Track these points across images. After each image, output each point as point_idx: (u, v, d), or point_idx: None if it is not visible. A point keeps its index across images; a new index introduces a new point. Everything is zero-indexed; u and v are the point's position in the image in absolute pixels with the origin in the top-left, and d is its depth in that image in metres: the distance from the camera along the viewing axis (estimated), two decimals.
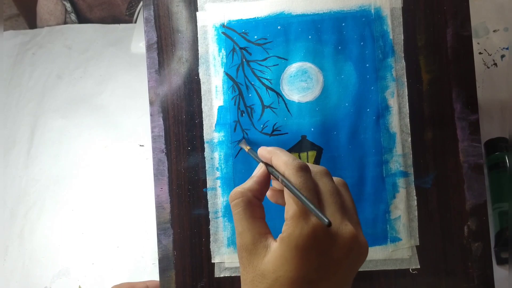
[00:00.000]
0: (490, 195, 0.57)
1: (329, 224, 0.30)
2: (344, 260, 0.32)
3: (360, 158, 0.46)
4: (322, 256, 0.32)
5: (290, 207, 0.33)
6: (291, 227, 0.32)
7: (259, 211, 0.35)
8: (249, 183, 0.37)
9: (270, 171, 0.36)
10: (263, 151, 0.38)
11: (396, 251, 0.45)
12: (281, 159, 0.35)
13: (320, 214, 0.31)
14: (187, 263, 0.47)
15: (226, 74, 0.47)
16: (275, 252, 0.32)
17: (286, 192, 0.33)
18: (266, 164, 0.37)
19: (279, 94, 0.47)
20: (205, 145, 0.47)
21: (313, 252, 0.32)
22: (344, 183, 0.37)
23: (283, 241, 0.32)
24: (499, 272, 0.53)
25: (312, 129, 0.46)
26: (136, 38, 0.72)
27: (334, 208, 0.33)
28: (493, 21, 0.64)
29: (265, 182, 0.37)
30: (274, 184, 0.38)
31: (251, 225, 0.34)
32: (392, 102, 0.46)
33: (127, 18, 0.75)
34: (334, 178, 0.36)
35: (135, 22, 0.74)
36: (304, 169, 0.34)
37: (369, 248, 0.45)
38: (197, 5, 0.48)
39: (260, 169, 0.37)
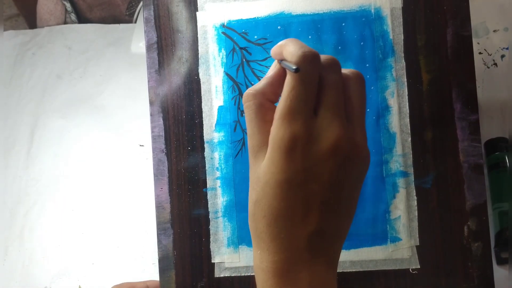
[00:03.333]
0: (490, 195, 0.57)
1: (296, 70, 0.30)
2: (330, 161, 0.32)
3: None
4: (306, 159, 0.31)
5: (279, 107, 0.32)
6: (276, 129, 0.32)
7: (270, 114, 0.34)
8: (262, 84, 0.35)
9: (283, 66, 0.34)
10: (275, 47, 0.36)
11: (396, 251, 0.45)
12: (289, 50, 0.33)
13: (287, 64, 0.30)
14: (187, 263, 0.47)
15: (226, 74, 0.47)
16: (266, 155, 0.33)
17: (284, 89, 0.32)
18: (280, 61, 0.35)
19: None
20: (205, 145, 0.47)
21: (297, 153, 0.31)
22: (357, 77, 0.35)
23: (270, 143, 0.32)
24: (499, 272, 0.53)
25: None
26: (136, 38, 0.72)
27: (329, 106, 0.32)
28: (493, 21, 0.64)
29: (278, 82, 0.34)
30: None
31: (261, 129, 0.34)
32: (392, 102, 0.46)
33: (127, 18, 0.75)
34: (349, 71, 0.35)
35: (135, 22, 0.74)
36: (310, 58, 0.32)
37: (369, 248, 0.45)
38: (197, 5, 0.48)
39: (273, 69, 0.36)
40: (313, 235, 0.32)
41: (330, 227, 0.33)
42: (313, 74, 0.32)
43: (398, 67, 0.46)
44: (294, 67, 0.30)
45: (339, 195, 0.33)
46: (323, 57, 0.34)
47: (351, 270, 0.45)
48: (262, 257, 0.33)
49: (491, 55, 0.63)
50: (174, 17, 0.48)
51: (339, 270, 0.45)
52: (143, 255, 0.61)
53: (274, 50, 0.36)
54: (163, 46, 0.48)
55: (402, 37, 0.46)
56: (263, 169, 0.33)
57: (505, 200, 0.55)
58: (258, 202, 0.33)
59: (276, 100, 0.35)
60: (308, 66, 0.32)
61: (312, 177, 0.32)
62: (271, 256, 0.32)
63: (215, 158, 0.47)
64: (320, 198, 0.32)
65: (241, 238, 0.46)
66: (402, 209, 0.45)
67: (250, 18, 0.47)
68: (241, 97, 0.47)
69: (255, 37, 0.47)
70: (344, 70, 0.35)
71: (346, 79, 0.34)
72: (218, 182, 0.47)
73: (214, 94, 0.47)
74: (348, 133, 0.32)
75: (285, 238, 0.32)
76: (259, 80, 0.47)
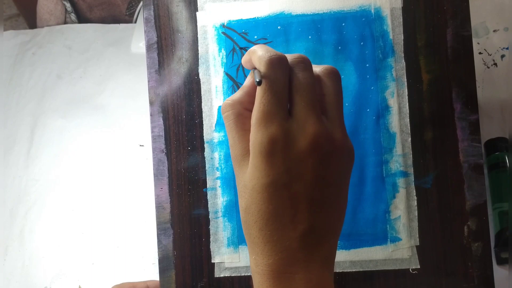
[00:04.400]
0: (490, 195, 0.57)
1: (259, 83, 0.31)
2: (310, 159, 0.32)
3: (360, 158, 0.46)
4: (287, 160, 0.32)
5: (253, 113, 0.32)
6: (253, 134, 0.32)
7: (249, 122, 0.34)
8: (239, 93, 0.36)
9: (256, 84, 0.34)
10: (245, 55, 0.36)
11: (396, 251, 0.45)
12: (255, 57, 0.34)
13: (255, 74, 0.31)
14: (187, 263, 0.47)
15: (226, 74, 0.47)
16: (249, 162, 0.33)
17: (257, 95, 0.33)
18: (253, 70, 0.35)
19: None
20: (205, 145, 0.47)
21: (277, 156, 0.32)
22: (330, 72, 0.35)
23: (251, 150, 0.32)
24: (499, 272, 0.53)
25: None
26: (136, 38, 0.72)
27: (302, 105, 0.32)
28: (493, 21, 0.64)
29: (254, 90, 0.35)
30: None
31: (241, 138, 0.34)
32: (392, 102, 0.46)
33: (127, 18, 0.75)
34: (321, 67, 0.35)
35: (135, 22, 0.74)
36: (276, 62, 0.32)
37: (369, 248, 0.45)
38: (197, 5, 0.48)
39: (249, 79, 0.36)
40: (305, 234, 0.32)
41: (320, 224, 0.33)
42: (281, 77, 0.32)
43: (398, 67, 0.46)
44: (257, 80, 0.31)
45: (325, 191, 0.33)
46: (291, 56, 0.34)
47: (351, 270, 0.45)
48: (257, 262, 0.33)
49: (491, 55, 0.63)
50: (174, 17, 0.48)
51: (339, 270, 0.45)
52: (143, 255, 0.61)
53: (244, 58, 0.37)
54: (163, 46, 0.48)
55: (402, 37, 0.46)
56: (248, 176, 0.33)
57: (505, 200, 0.55)
58: (248, 209, 0.33)
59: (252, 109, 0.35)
60: (275, 70, 0.32)
61: (296, 177, 0.32)
62: (266, 259, 0.33)
63: (215, 158, 0.47)
64: (306, 197, 0.32)
65: (241, 238, 0.46)
66: (402, 209, 0.45)
67: (250, 18, 0.47)
68: None
69: (255, 37, 0.47)
70: (317, 67, 0.35)
71: (319, 76, 0.35)
72: (218, 182, 0.47)
73: (214, 94, 0.47)
74: (325, 129, 0.33)
75: (277, 240, 0.32)
76: None
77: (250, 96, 0.35)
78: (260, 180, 0.32)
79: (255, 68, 0.34)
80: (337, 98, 0.35)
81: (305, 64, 0.34)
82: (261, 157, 0.32)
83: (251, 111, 0.35)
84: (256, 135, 0.32)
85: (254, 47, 0.35)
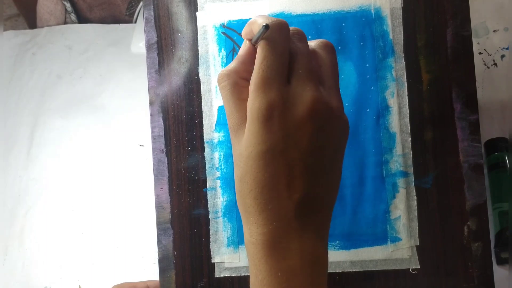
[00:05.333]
0: (490, 195, 0.57)
1: (266, 26, 0.30)
2: (308, 126, 0.32)
3: (360, 158, 0.46)
4: (285, 126, 0.31)
5: (252, 79, 0.32)
6: (251, 100, 0.32)
7: (245, 91, 0.34)
8: (234, 63, 0.35)
9: (254, 38, 0.34)
10: (245, 27, 0.36)
11: (396, 251, 0.45)
12: (257, 23, 0.34)
13: (257, 32, 0.31)
14: (187, 263, 0.47)
15: None
16: (245, 128, 0.33)
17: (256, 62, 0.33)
18: (250, 40, 0.35)
19: None
20: (205, 145, 0.47)
21: (275, 121, 0.31)
22: (325, 45, 0.35)
23: (248, 116, 0.32)
24: (499, 272, 0.53)
25: None
26: (136, 38, 0.72)
27: (300, 72, 0.32)
28: (493, 21, 0.64)
29: (249, 59, 0.35)
30: None
31: (238, 107, 0.34)
32: (392, 102, 0.46)
33: (127, 18, 0.75)
34: (316, 41, 0.36)
35: (135, 22, 0.74)
36: (276, 27, 0.32)
37: (369, 248, 0.45)
38: (197, 5, 0.48)
39: (244, 47, 0.36)
40: (300, 203, 0.32)
41: (315, 192, 0.33)
42: (283, 42, 0.32)
43: (398, 67, 0.46)
44: (264, 24, 0.30)
45: (321, 159, 0.33)
46: (292, 29, 0.34)
47: (351, 270, 0.45)
48: (251, 231, 0.33)
49: (491, 55, 0.63)
50: (174, 17, 0.48)
51: (339, 270, 0.45)
52: (143, 255, 0.61)
53: (244, 30, 0.36)
54: (163, 46, 0.48)
55: (402, 37, 0.46)
56: (244, 143, 0.33)
57: (505, 200, 0.55)
58: (243, 178, 0.33)
59: (249, 78, 0.35)
60: (277, 34, 0.32)
61: (293, 144, 0.32)
62: (260, 229, 0.32)
63: (215, 158, 0.47)
64: (302, 164, 0.32)
65: (241, 238, 0.46)
66: (402, 209, 0.45)
67: (250, 18, 0.47)
68: None
69: None
70: (312, 42, 0.36)
71: (314, 49, 0.35)
72: (218, 182, 0.47)
73: (214, 94, 0.47)
74: (323, 97, 0.32)
75: (272, 209, 0.32)
76: None
77: (246, 64, 0.35)
78: (256, 147, 0.32)
79: (250, 40, 0.35)
80: (333, 68, 0.35)
81: (301, 35, 0.34)
82: (259, 123, 0.32)
83: (247, 80, 0.35)
84: (254, 101, 0.32)
85: (254, 17, 0.35)
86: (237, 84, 0.34)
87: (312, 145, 0.32)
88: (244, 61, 0.35)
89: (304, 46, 0.34)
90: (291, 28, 0.34)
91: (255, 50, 0.34)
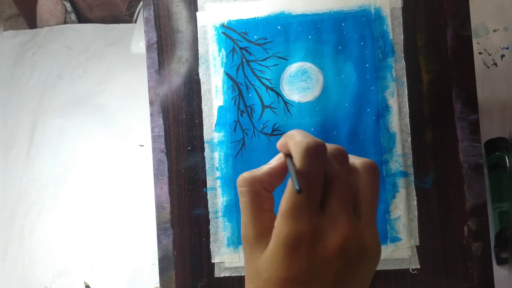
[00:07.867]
0: (490, 195, 0.57)
1: (299, 191, 0.28)
2: (335, 262, 0.30)
3: None
4: (312, 257, 0.30)
5: (284, 201, 0.30)
6: (280, 225, 0.30)
7: (267, 202, 0.32)
8: (261, 171, 0.33)
9: (288, 166, 0.32)
10: (281, 138, 0.34)
11: (396, 251, 0.45)
12: (293, 141, 0.31)
13: (292, 175, 0.29)
14: (187, 263, 0.47)
15: (226, 74, 0.47)
16: (268, 249, 0.31)
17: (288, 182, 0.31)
18: (286, 155, 0.32)
19: (279, 94, 0.47)
20: (205, 145, 0.47)
21: (302, 252, 0.30)
22: (369, 167, 0.32)
23: (274, 238, 0.31)
24: (499, 272, 0.53)
25: (312, 129, 0.46)
26: (136, 38, 0.72)
27: (335, 201, 0.31)
28: (493, 21, 0.64)
29: (278, 174, 0.33)
30: None
31: (256, 218, 0.32)
32: (392, 102, 0.46)
33: (127, 18, 0.75)
34: (360, 159, 0.33)
35: (135, 22, 0.74)
36: (313, 150, 0.30)
37: None
38: (197, 5, 0.48)
39: (277, 160, 0.34)
40: None
41: None
42: (318, 168, 0.30)
43: (398, 67, 0.46)
44: (297, 187, 0.29)
45: None
46: (329, 146, 0.32)
47: None
48: None
49: (491, 55, 0.63)
50: (174, 17, 0.48)
51: None
52: (143, 255, 0.61)
53: (280, 142, 0.34)
54: (163, 46, 0.48)
55: (402, 37, 0.46)
56: (264, 263, 0.31)
57: (505, 200, 0.55)
58: None
59: (272, 191, 0.33)
60: (312, 160, 0.30)
61: (317, 276, 0.30)
62: None
63: (215, 158, 0.47)
64: None
65: (241, 239, 0.46)
66: (402, 209, 0.45)
67: (250, 18, 0.47)
68: (241, 97, 0.47)
69: (255, 37, 0.47)
70: (356, 159, 0.33)
71: (357, 169, 0.32)
72: (218, 182, 0.47)
73: (214, 94, 0.47)
74: (356, 231, 0.31)
75: None
76: (259, 80, 0.47)
77: (273, 177, 0.33)
78: (278, 273, 0.30)
79: (288, 155, 0.32)
80: (372, 196, 0.32)
81: (343, 156, 0.32)
82: (284, 250, 0.30)
83: (269, 191, 0.33)
84: (283, 227, 0.30)
85: (292, 132, 0.32)
86: (259, 194, 0.32)
87: (336, 281, 0.31)
88: (272, 174, 0.33)
89: (343, 169, 0.31)
90: (333, 146, 0.32)
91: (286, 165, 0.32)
